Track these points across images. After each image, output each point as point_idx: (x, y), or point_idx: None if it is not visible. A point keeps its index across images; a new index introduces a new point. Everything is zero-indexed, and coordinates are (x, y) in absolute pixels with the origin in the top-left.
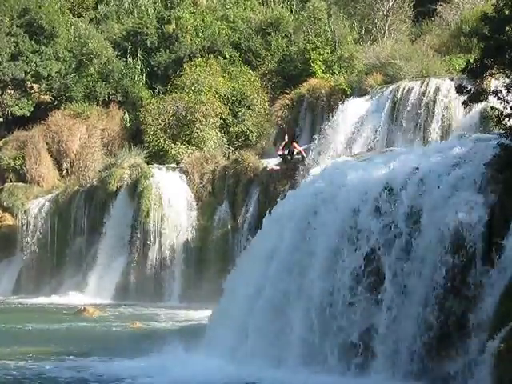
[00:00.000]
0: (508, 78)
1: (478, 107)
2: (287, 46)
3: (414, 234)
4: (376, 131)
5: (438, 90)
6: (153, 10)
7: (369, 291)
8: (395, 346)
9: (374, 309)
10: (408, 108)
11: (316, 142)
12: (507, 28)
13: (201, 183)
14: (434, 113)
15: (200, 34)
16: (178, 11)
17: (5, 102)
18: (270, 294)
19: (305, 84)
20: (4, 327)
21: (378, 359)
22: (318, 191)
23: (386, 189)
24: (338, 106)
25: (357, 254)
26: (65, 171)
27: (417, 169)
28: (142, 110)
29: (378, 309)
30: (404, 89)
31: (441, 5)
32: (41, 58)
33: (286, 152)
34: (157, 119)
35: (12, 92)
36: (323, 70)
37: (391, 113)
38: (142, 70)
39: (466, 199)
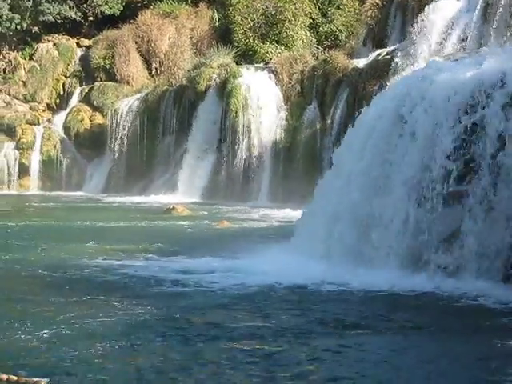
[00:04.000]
0: None
1: None
2: None
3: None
4: (467, 32)
5: None
6: None
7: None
8: (483, 249)
9: (461, 209)
10: (501, 8)
11: (406, 42)
12: None
13: (289, 83)
14: None
15: None
16: None
17: (94, 1)
18: (362, 188)
19: None
20: (93, 225)
21: (467, 262)
22: (410, 89)
23: (476, 89)
24: (429, 5)
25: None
26: (154, 71)
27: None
28: (231, 9)
29: (465, 209)
30: None
31: None
32: None
33: None
34: (246, 18)
35: None
36: None
37: (483, 13)
38: None
39: None
